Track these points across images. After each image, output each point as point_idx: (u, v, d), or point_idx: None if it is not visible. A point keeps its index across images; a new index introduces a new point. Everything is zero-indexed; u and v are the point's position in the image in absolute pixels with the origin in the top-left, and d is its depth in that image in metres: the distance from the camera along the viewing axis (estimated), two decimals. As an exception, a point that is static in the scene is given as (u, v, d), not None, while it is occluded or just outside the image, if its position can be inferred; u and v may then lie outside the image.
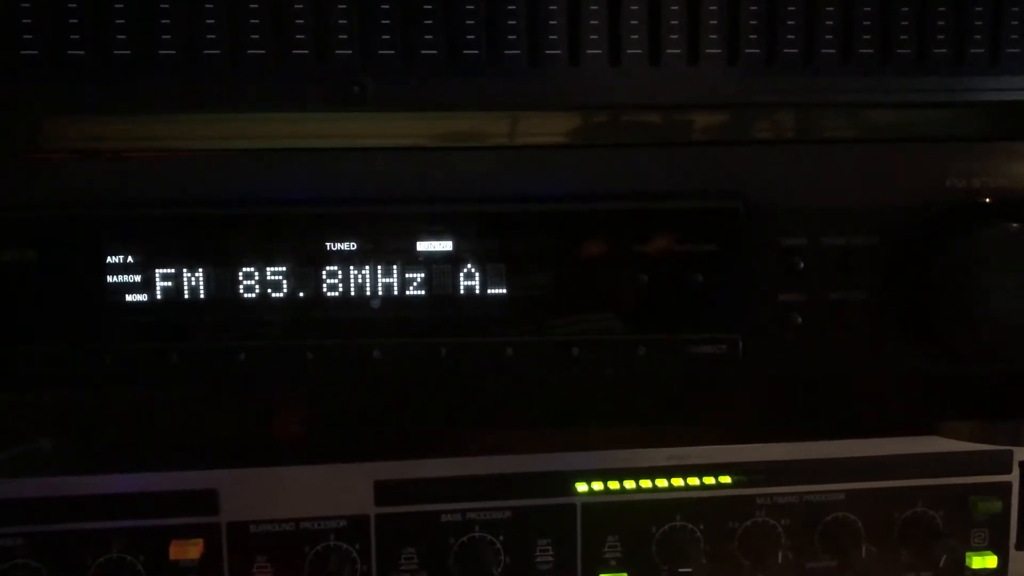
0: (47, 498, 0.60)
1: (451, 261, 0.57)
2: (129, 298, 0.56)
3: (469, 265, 0.57)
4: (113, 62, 0.54)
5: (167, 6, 0.54)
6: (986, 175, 0.57)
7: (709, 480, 0.64)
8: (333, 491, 0.62)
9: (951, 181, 0.58)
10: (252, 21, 0.54)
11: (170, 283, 0.56)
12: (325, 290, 0.57)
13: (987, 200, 0.58)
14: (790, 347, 0.58)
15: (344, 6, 0.54)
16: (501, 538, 0.63)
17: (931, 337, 0.58)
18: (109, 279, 0.56)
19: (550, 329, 0.58)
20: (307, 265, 0.56)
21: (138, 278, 0.56)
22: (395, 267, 0.57)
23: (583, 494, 0.64)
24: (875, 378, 0.69)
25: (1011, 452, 0.66)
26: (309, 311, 0.57)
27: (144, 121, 0.59)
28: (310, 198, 0.56)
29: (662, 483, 0.64)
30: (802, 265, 0.57)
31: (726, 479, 0.65)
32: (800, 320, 0.58)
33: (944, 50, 0.58)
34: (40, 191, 0.55)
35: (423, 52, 0.55)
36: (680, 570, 0.64)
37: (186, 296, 0.56)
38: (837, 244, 0.57)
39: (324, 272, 0.57)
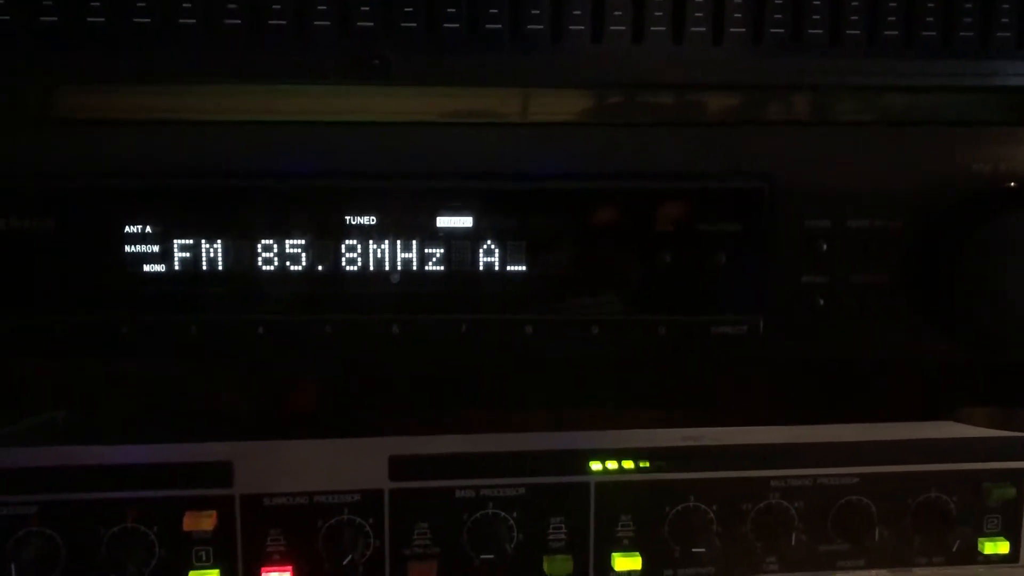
0: (62, 467, 0.60)
1: (471, 237, 0.57)
2: (147, 268, 0.56)
3: (489, 242, 0.57)
4: (132, 30, 0.53)
5: (188, -25, 0.53)
6: (1012, 160, 0.57)
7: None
8: (347, 465, 0.62)
9: (977, 165, 0.57)
10: (274, -9, 0.54)
11: (188, 254, 0.56)
12: (344, 264, 0.56)
13: (1013, 184, 0.57)
14: (811, 329, 0.58)
15: (366, -23, 0.54)
16: (515, 515, 0.63)
17: (953, 322, 0.57)
18: (127, 249, 0.55)
19: (570, 308, 0.57)
20: (326, 239, 0.56)
21: (156, 249, 0.56)
22: (414, 242, 0.57)
23: (597, 473, 0.64)
24: (892, 362, 0.68)
25: (1026, 439, 0.66)
26: (328, 285, 0.56)
27: (163, 91, 0.58)
28: (330, 171, 0.56)
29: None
30: (825, 247, 0.57)
31: (739, 460, 0.64)
32: (822, 302, 0.58)
33: (970, 33, 0.57)
34: (59, 160, 0.55)
35: (445, 25, 0.55)
36: (693, 550, 0.64)
37: (204, 268, 0.56)
38: (861, 227, 0.57)
39: (343, 246, 0.56)
